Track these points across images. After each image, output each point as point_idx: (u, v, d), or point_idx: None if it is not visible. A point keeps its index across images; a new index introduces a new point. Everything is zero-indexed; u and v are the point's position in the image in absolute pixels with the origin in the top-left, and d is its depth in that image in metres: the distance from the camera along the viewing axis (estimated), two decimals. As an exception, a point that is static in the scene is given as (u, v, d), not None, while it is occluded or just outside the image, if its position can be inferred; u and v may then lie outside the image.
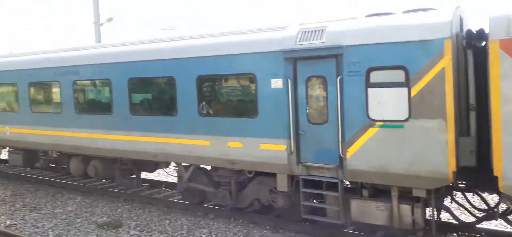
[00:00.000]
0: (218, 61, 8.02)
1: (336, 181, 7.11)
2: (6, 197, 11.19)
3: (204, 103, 8.42)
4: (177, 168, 9.71)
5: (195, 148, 8.48)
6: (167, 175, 13.02)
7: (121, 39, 13.17)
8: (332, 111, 6.97)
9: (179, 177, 9.56)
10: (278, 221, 8.43)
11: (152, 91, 9.50)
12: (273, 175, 7.83)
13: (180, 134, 8.65)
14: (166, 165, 10.21)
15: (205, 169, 9.30)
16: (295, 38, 7.21)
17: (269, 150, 7.59)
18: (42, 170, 12.92)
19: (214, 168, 8.80)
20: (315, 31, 7.10)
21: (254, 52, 7.59)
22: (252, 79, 7.69)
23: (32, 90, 11.68)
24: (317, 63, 7.06)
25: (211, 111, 8.39)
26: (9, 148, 13.38)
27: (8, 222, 9.06)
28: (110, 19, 17.36)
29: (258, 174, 8.21)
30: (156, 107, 9.38)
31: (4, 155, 16.18)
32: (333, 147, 7.01)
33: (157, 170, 11.18)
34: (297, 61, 7.22)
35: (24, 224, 8.98)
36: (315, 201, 7.85)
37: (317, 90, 7.26)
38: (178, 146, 8.73)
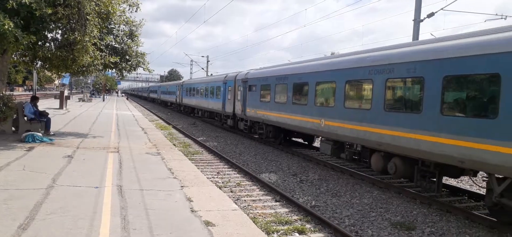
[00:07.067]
0: None
1: None
2: (314, 180, 12.44)
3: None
4: (487, 179, 8.56)
5: (516, 159, 7.20)
6: (472, 184, 11.85)
7: (438, 35, 12.70)
8: None
9: (489, 189, 8.38)
10: None
11: (468, 90, 8.70)
12: None
13: (499, 140, 7.51)
14: (474, 173, 9.12)
15: (525, 185, 7.80)
16: None
17: None
18: (346, 161, 14.00)
19: (540, 186, 7.23)
20: None
21: None
22: None
23: (347, 87, 12.91)
24: None
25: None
26: (322, 137, 15.31)
27: (313, 202, 9.98)
28: (431, 15, 16.69)
29: None
30: (471, 108, 8.52)
31: (317, 143, 18.81)
32: None
33: (461, 177, 10.23)
34: None
35: (325, 208, 9.58)
36: None
37: None
38: (493, 154, 7.62)
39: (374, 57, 11.66)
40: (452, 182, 12.25)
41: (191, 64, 73.26)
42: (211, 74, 49.15)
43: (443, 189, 10.93)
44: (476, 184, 11.45)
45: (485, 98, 8.21)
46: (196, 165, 12.15)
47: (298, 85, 16.19)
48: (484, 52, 7.99)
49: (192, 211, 6.75)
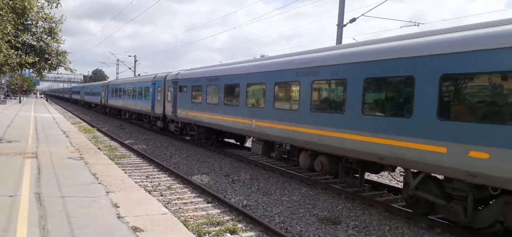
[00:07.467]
0: (467, 58, 7.25)
1: None
2: (246, 180, 12.62)
3: (445, 105, 7.69)
4: (403, 173, 9.25)
5: (428, 155, 7.82)
6: (391, 178, 12.68)
7: (360, 39, 13.49)
8: None
9: (405, 183, 9.08)
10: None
11: (387, 91, 9.31)
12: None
13: (413, 138, 8.14)
14: (392, 168, 9.79)
15: (436, 178, 8.55)
16: None
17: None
18: (276, 160, 14.29)
19: (448, 179, 7.94)
20: None
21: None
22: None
23: (276, 89, 13.18)
24: None
25: (451, 115, 7.60)
26: (253, 138, 15.52)
27: (245, 202, 10.10)
28: (353, 20, 17.59)
29: (507, 192, 6.94)
30: (389, 108, 9.12)
31: (248, 143, 19.04)
32: None
33: (381, 172, 10.92)
34: None
35: (257, 207, 9.74)
36: None
37: None
38: (409, 150, 8.24)
39: (301, 60, 12.05)
40: (373, 177, 13.07)
41: (118, 64, 70.31)
42: (139, 75, 47.60)
43: (365, 184, 11.60)
44: (394, 179, 12.32)
45: (402, 99, 8.85)
46: (123, 169, 11.70)
47: (229, 86, 16.24)
48: (400, 56, 8.62)
49: (119, 217, 6.49)
